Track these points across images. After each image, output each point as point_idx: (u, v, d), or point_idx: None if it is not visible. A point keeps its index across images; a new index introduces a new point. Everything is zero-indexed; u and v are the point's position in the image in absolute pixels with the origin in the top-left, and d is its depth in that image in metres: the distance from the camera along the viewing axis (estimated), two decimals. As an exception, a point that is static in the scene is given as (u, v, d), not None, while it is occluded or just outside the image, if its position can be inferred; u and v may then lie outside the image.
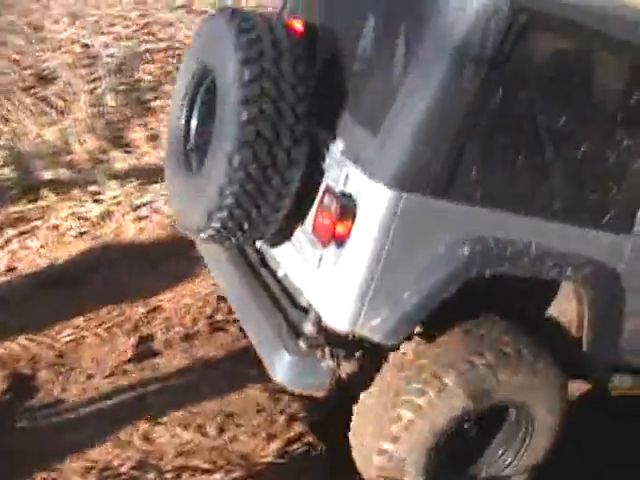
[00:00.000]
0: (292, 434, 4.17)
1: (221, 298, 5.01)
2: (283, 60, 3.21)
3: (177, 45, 8.05)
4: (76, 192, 6.25)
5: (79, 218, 5.98)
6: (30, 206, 6.05)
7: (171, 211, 3.94)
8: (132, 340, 4.78)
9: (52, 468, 3.80)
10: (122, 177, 6.45)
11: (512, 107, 3.11)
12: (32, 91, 7.23)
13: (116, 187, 6.28)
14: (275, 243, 3.60)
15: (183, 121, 3.70)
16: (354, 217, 3.07)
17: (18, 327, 4.76)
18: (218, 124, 3.26)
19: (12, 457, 3.81)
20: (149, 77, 7.67)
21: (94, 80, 7.42)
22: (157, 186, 6.26)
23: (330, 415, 4.26)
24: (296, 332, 3.36)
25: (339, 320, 3.17)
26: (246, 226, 3.30)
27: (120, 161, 6.68)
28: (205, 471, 3.87)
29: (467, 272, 3.16)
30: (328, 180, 3.26)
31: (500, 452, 3.70)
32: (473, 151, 3.10)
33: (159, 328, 4.91)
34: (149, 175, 6.44)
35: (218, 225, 3.29)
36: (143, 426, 4.12)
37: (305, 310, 3.40)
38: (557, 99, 3.19)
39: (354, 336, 3.22)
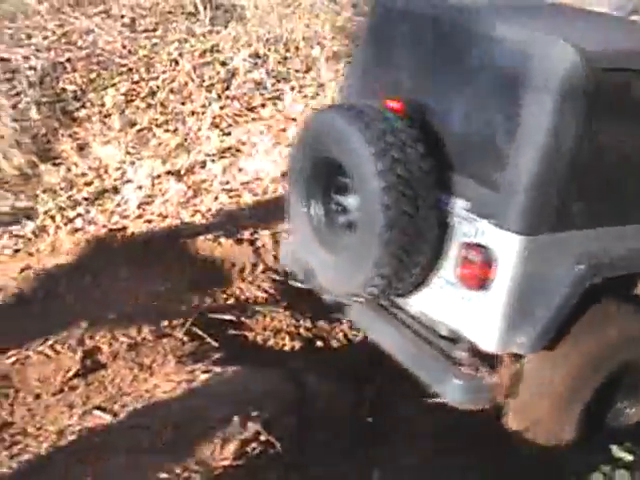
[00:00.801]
0: (247, 434, 4.17)
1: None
2: (405, 144, 3.79)
3: (98, 52, 7.98)
4: (7, 209, 6.17)
5: (13, 236, 5.91)
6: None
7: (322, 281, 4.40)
8: (78, 355, 4.73)
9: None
10: (53, 190, 6.38)
11: (606, 147, 3.77)
12: (-47, 110, 7.11)
13: (48, 200, 6.21)
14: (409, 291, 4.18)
15: (313, 208, 4.27)
16: (494, 264, 3.71)
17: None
18: (362, 208, 3.89)
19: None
20: (72, 87, 7.58)
21: (16, 94, 7.31)
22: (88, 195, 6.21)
23: (282, 412, 4.37)
24: (450, 358, 4.05)
25: (493, 344, 3.83)
26: (395, 284, 3.98)
27: (50, 174, 6.60)
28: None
29: (585, 283, 3.81)
30: (462, 236, 3.87)
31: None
32: (582, 187, 3.73)
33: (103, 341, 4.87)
34: (80, 186, 6.38)
35: (374, 289, 3.98)
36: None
37: (451, 339, 4.08)
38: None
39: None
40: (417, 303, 4.23)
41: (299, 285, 4.78)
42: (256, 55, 8.12)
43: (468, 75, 3.97)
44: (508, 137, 3.68)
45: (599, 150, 3.73)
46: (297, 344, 5.41)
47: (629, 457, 3.82)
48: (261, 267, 5.85)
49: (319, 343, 5.51)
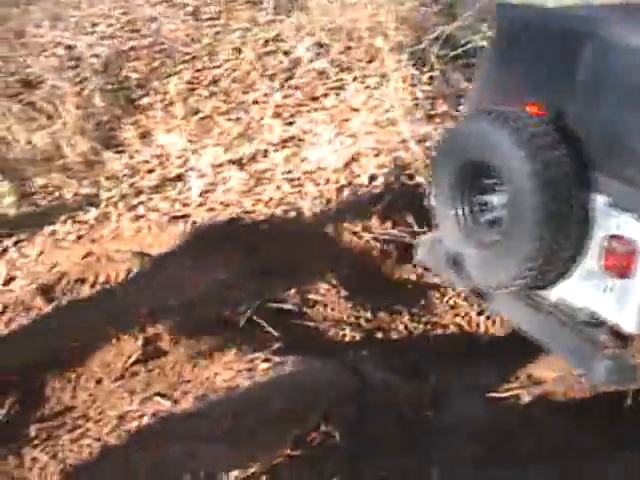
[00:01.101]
0: (306, 425, 4.13)
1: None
2: (552, 147, 4.13)
3: (162, 40, 8.01)
4: (71, 196, 6.22)
5: (76, 222, 5.95)
6: (25, 213, 6.02)
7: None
8: (139, 341, 4.74)
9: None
10: (116, 177, 6.42)
11: None
12: (19, 97, 7.19)
13: (111, 188, 6.24)
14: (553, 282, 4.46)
15: (460, 208, 4.61)
16: (636, 254, 3.96)
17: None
18: (513, 207, 4.24)
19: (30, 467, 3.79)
20: (136, 75, 7.62)
21: (81, 82, 7.38)
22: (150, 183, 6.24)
23: (341, 403, 4.37)
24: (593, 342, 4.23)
25: (632, 325, 4.05)
26: (542, 277, 4.31)
27: (113, 161, 6.64)
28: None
29: None
30: (605, 230, 4.13)
31: None
32: None
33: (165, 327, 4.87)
34: (143, 174, 6.40)
35: (523, 282, 4.30)
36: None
37: (592, 324, 4.26)
38: None
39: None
40: (559, 292, 4.46)
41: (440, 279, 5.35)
42: (319, 44, 8.06)
43: (603, 82, 4.25)
44: None
45: None
46: (357, 335, 5.39)
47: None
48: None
49: (379, 335, 5.48)
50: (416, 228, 6.05)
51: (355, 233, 6.01)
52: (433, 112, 7.21)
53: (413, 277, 6.08)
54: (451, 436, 4.70)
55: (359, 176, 6.31)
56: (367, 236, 5.99)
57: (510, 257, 4.27)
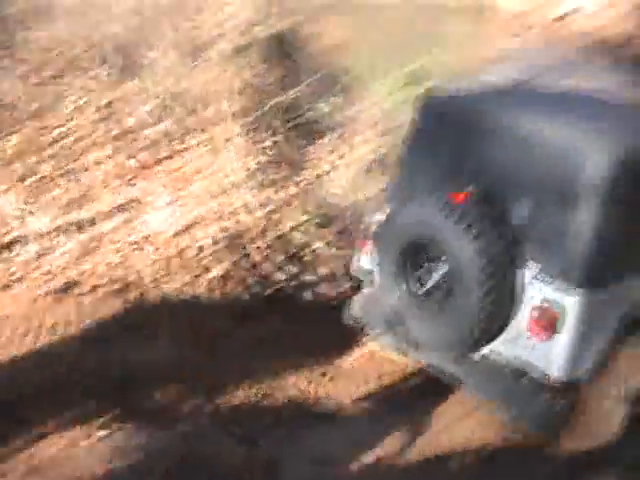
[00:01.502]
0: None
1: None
2: (490, 229, 4.86)
3: (1, 97, 7.80)
4: None
5: None
6: None
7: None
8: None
9: None
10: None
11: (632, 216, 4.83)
12: None
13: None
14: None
15: (403, 279, 5.24)
16: (561, 316, 4.74)
17: None
18: (462, 282, 4.88)
19: None
20: None
21: None
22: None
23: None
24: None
25: (565, 375, 4.81)
26: (485, 337, 5.02)
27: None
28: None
29: (632, 316, 4.93)
30: (531, 299, 4.88)
31: None
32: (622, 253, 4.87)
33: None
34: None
35: (469, 341, 5.03)
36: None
37: (519, 374, 4.99)
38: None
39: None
40: (494, 349, 5.11)
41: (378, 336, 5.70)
42: (164, 107, 8.08)
43: (525, 170, 5.01)
44: (570, 220, 4.77)
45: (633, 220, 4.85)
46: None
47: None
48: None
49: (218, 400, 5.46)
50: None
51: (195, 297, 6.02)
52: (275, 177, 7.32)
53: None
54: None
55: (199, 240, 6.31)
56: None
57: (455, 322, 4.98)
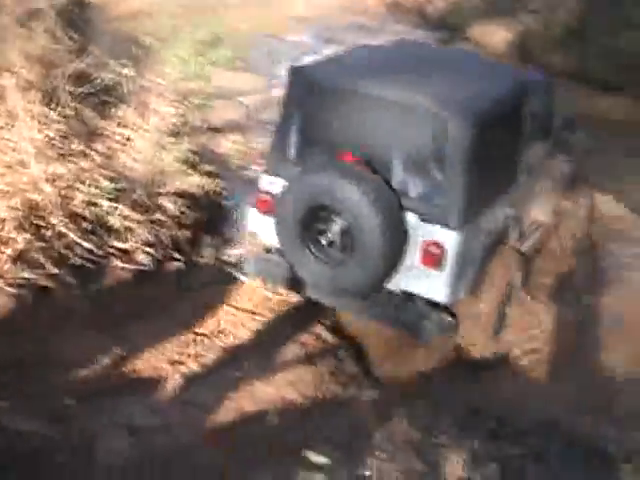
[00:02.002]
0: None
1: None
2: (380, 183, 5.66)
3: None
4: None
5: None
6: None
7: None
8: None
9: None
10: None
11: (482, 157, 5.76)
12: None
13: None
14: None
15: (306, 238, 5.88)
16: (444, 253, 5.69)
17: None
18: (362, 235, 5.63)
19: None
20: None
21: None
22: None
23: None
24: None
25: (444, 297, 5.86)
26: (385, 279, 5.87)
27: None
28: None
29: (488, 247, 6.23)
30: (421, 236, 5.75)
31: None
32: (479, 191, 5.83)
33: None
34: None
35: (372, 286, 5.88)
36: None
37: (415, 302, 6.03)
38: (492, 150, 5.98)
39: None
40: (390, 284, 5.96)
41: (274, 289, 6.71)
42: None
43: (394, 132, 5.80)
44: (440, 170, 5.65)
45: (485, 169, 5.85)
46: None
47: (324, 460, 4.02)
48: None
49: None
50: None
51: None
52: (67, 151, 7.14)
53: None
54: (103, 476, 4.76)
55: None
56: (-1, 282, 5.86)
57: (360, 269, 5.72)
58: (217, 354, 6.11)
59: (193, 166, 7.90)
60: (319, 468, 3.94)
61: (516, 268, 6.66)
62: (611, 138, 10.31)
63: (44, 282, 6.04)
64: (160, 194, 7.31)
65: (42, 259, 6.05)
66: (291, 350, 6.23)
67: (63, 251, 6.31)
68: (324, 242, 5.86)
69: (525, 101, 6.54)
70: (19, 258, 5.99)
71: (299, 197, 5.80)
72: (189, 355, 6.04)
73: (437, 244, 5.69)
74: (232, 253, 7.55)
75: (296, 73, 6.18)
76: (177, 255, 7.10)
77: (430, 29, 15.74)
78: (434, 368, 6.44)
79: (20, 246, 5.99)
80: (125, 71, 7.83)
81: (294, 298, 6.86)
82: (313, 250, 5.89)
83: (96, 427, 5.13)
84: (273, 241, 6.22)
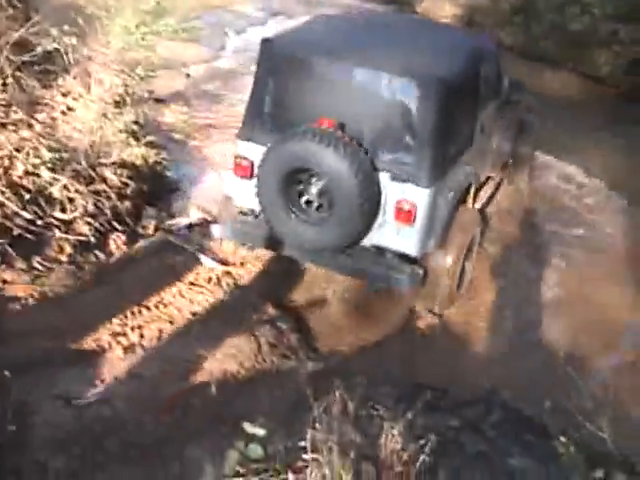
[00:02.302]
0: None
1: None
2: (354, 146, 5.95)
3: None
4: None
5: None
6: None
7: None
8: None
9: None
10: None
11: (446, 119, 6.21)
12: None
13: None
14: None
15: (286, 199, 6.22)
16: (414, 208, 6.12)
17: None
18: (339, 195, 6.00)
19: None
20: None
21: None
22: None
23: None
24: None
25: (415, 251, 6.35)
26: (361, 235, 6.29)
27: None
28: None
29: (455, 202, 6.59)
30: (393, 195, 6.15)
31: None
32: (446, 151, 6.33)
33: None
34: None
35: (355, 239, 6.29)
36: None
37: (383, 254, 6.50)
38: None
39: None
40: (366, 240, 6.39)
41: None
42: None
43: (364, 99, 6.13)
44: (409, 134, 6.04)
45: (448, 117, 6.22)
46: None
47: (261, 432, 4.07)
48: None
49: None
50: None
51: None
52: (6, 120, 7.05)
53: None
54: (40, 448, 4.76)
55: None
56: None
57: (337, 226, 6.12)
58: (158, 325, 6.11)
59: (136, 137, 7.86)
60: (256, 439, 3.99)
61: (476, 224, 7.12)
62: (558, 110, 10.58)
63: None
64: (102, 165, 7.25)
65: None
66: (232, 322, 6.26)
67: (2, 221, 6.24)
68: (304, 203, 6.25)
69: (480, 64, 6.97)
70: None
71: (280, 161, 6.12)
72: (131, 327, 6.03)
73: (408, 202, 6.11)
74: (173, 223, 7.56)
75: (266, 45, 6.43)
76: (118, 226, 7.06)
77: (379, 2, 15.79)
78: (379, 340, 6.53)
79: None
80: (67, 40, 7.72)
81: (239, 270, 6.92)
82: (294, 210, 6.25)
83: (33, 400, 5.12)
84: (249, 204, 6.63)
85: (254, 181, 6.31)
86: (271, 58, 6.38)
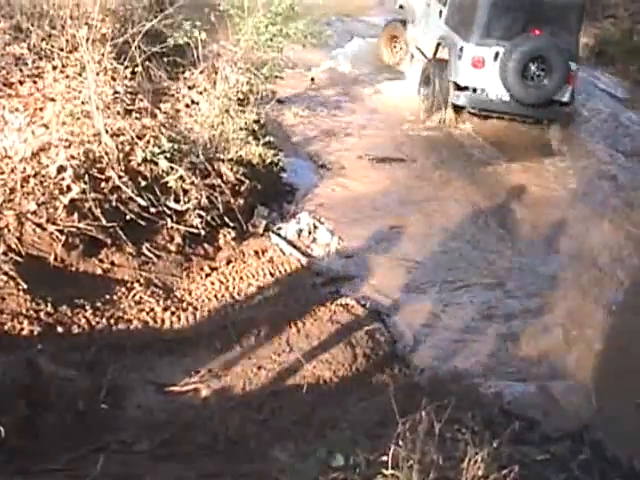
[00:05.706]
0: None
1: None
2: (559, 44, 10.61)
3: None
4: None
5: None
6: None
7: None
8: None
9: None
10: None
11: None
12: None
13: None
14: None
15: (519, 75, 10.38)
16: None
17: None
18: (553, 70, 10.31)
19: None
20: None
21: None
22: None
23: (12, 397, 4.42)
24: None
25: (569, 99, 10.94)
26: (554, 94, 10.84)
27: None
28: None
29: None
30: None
31: None
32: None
33: None
34: None
35: (552, 97, 10.73)
36: None
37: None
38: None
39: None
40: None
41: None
42: (18, 29, 7.81)
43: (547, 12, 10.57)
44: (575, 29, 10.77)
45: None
46: (36, 329, 5.30)
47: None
48: (2, 248, 5.68)
49: (59, 329, 5.42)
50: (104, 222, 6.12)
51: (39, 225, 5.90)
52: (131, 107, 7.20)
53: (99, 271, 6.09)
54: (127, 429, 4.79)
55: (47, 166, 6.15)
56: (51, 228, 5.91)
57: (551, 87, 10.41)
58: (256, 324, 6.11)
59: (255, 136, 7.90)
60: (338, 449, 3.92)
61: None
62: None
63: (94, 234, 6.08)
64: (219, 160, 7.31)
65: (96, 211, 6.08)
66: (328, 329, 6.19)
67: (117, 205, 6.36)
68: (534, 76, 10.33)
69: None
70: (74, 207, 6.04)
71: (519, 55, 10.20)
72: (232, 322, 6.03)
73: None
74: (283, 226, 7.55)
75: None
76: (229, 222, 7.09)
77: None
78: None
79: (76, 195, 6.03)
80: (198, 34, 7.84)
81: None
82: (526, 81, 10.30)
83: (128, 382, 5.18)
84: (479, 84, 10.59)
85: (484, 70, 10.39)
86: None
